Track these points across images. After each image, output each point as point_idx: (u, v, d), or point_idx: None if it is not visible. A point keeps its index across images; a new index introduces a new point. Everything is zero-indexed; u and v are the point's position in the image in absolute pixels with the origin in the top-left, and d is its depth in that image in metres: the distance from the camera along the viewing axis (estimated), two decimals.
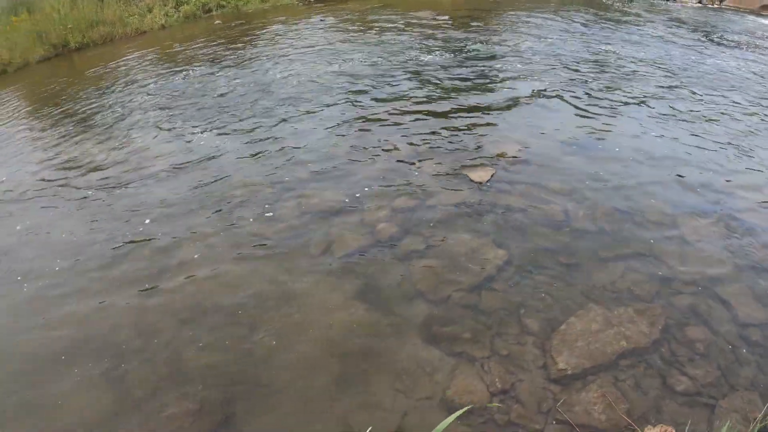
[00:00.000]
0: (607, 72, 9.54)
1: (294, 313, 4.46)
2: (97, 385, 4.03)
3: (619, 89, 8.71)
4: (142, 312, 4.66)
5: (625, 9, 15.34)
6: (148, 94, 9.99)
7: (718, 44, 11.51)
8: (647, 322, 4.14)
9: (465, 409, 2.22)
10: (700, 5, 16.36)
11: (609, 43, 11.36)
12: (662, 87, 8.80)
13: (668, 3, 16.68)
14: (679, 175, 6.11)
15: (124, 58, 12.86)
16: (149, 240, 5.59)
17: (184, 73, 10.99)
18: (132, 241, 5.61)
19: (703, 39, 11.92)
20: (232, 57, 11.74)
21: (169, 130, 8.25)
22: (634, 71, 9.57)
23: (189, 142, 7.78)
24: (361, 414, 3.62)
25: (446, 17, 14.01)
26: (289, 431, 3.60)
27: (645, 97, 8.38)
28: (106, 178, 7.06)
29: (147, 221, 5.91)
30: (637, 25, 13.11)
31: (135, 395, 3.93)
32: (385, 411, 3.61)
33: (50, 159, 7.98)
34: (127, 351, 4.30)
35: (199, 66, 11.33)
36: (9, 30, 14.20)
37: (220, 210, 5.94)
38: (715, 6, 16.27)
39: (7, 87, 12.42)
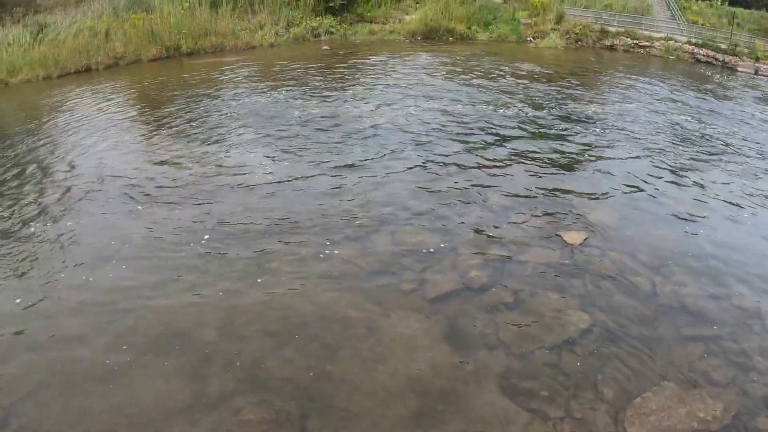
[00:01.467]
0: (699, 146, 9.46)
1: (378, 343, 4.65)
2: (176, 378, 4.27)
3: (712, 165, 8.63)
4: (229, 318, 4.90)
5: (723, 82, 15.11)
6: (236, 111, 10.35)
7: None
8: (720, 407, 4.16)
9: None
10: None
11: (703, 116, 11.24)
12: (755, 169, 8.67)
13: None
14: None
15: (227, 70, 13.45)
16: (237, 251, 5.83)
17: (276, 94, 11.37)
18: (220, 251, 5.85)
19: None
20: (330, 85, 12.10)
21: (250, 150, 8.49)
22: (726, 148, 9.46)
23: (268, 161, 8.00)
24: None
25: (547, 72, 14.08)
26: None
27: (737, 177, 8.29)
28: (186, 184, 7.33)
29: (232, 233, 6.15)
30: (734, 100, 12.92)
31: (211, 394, 4.15)
32: None
33: (123, 158, 8.31)
34: (210, 352, 4.54)
35: (293, 89, 11.70)
36: (127, 26, 15.02)
37: (309, 233, 6.17)
38: None
39: (112, 80, 13.13)
